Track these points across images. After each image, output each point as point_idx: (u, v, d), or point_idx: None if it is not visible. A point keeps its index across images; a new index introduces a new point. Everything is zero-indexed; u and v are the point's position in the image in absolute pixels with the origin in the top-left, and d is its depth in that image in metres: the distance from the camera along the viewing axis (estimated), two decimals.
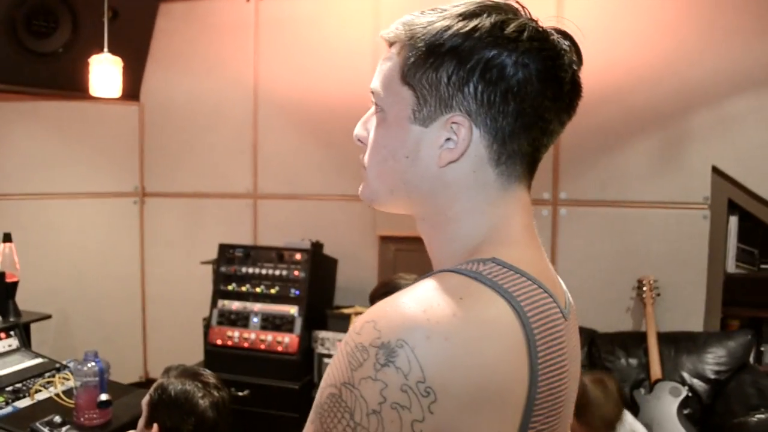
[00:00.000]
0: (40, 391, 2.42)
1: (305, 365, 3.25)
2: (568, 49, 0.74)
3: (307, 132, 3.89)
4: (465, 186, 0.74)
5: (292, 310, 3.28)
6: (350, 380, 0.62)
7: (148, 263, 4.22)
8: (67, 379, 2.47)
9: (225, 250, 3.51)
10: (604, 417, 2.33)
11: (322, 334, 3.33)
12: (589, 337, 3.18)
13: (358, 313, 3.40)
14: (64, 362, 2.68)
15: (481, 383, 0.62)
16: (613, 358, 3.11)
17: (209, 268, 3.67)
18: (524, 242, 0.76)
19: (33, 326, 3.05)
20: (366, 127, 0.82)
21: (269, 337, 3.25)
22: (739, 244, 3.31)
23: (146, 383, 2.79)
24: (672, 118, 3.27)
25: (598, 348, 3.15)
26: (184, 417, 1.60)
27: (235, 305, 3.38)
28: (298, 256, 3.38)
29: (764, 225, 3.22)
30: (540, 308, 0.69)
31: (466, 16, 0.72)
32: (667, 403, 2.82)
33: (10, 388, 2.43)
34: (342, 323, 3.34)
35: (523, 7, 0.75)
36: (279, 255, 3.42)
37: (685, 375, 2.98)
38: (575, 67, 0.75)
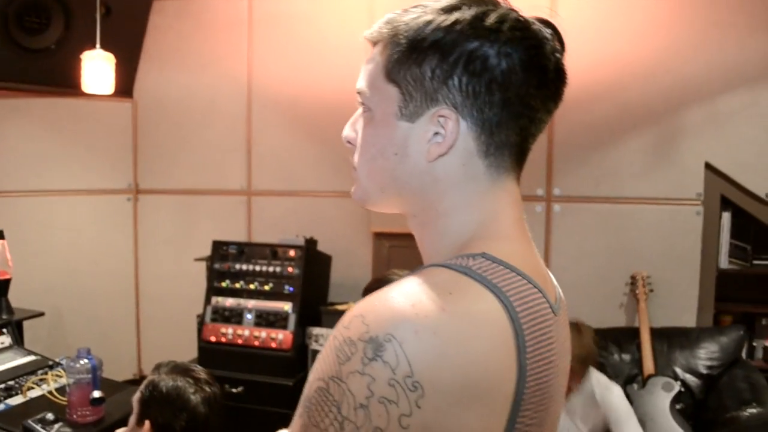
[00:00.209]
0: (32, 388, 2.42)
1: (299, 362, 3.25)
2: (550, 37, 0.74)
3: (302, 129, 3.89)
4: (455, 180, 0.74)
5: (286, 306, 3.28)
6: (338, 374, 0.62)
7: (142, 260, 4.21)
8: (60, 377, 2.47)
9: (219, 246, 3.51)
10: (576, 357, 2.36)
11: (316, 330, 3.33)
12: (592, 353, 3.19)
13: None
14: (57, 360, 2.67)
15: (470, 378, 0.62)
16: (606, 353, 3.12)
17: (203, 265, 3.67)
18: (514, 236, 0.76)
19: (26, 324, 3.05)
20: (354, 128, 0.82)
21: (263, 333, 3.25)
22: (731, 240, 3.32)
23: (140, 380, 2.78)
24: (665, 115, 3.28)
25: None
26: (176, 413, 1.60)
27: (229, 302, 3.38)
28: (292, 253, 3.38)
29: (757, 221, 3.23)
30: (529, 303, 0.69)
31: (447, 9, 0.72)
32: (660, 398, 2.83)
33: (2, 386, 2.43)
34: (336, 320, 3.33)
35: None
36: (273, 252, 3.42)
37: (678, 370, 2.99)
38: (558, 55, 0.75)
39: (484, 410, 0.63)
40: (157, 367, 1.73)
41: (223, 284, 3.43)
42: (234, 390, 3.18)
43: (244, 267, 3.41)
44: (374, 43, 0.78)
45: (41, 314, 3.10)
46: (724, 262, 3.31)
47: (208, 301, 3.42)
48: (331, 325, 3.34)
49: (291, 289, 3.31)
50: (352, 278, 3.74)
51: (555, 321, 0.74)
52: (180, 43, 4.06)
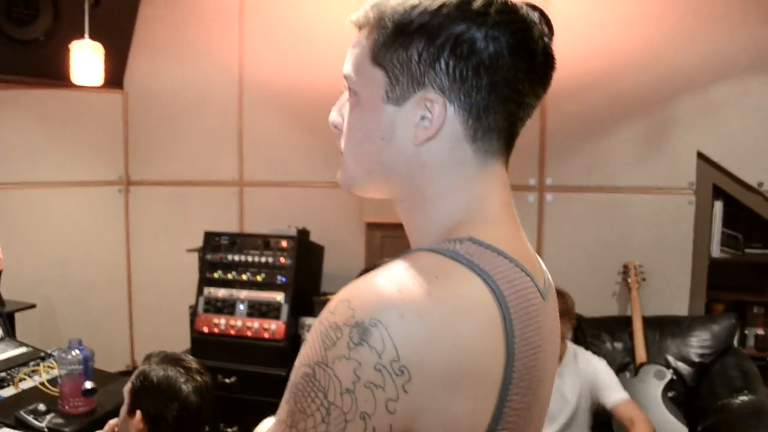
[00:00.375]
0: (24, 379, 2.41)
1: (292, 352, 3.25)
2: (538, 21, 0.73)
3: (293, 119, 3.88)
4: (442, 164, 0.74)
5: (279, 297, 3.27)
6: (324, 359, 0.61)
7: (134, 252, 4.20)
8: (52, 368, 2.46)
9: (211, 237, 3.50)
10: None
11: (309, 320, 3.33)
12: (576, 326, 3.21)
13: None
14: (48, 351, 2.67)
15: (457, 362, 0.61)
16: (598, 342, 3.13)
17: (195, 256, 3.66)
18: (502, 221, 0.76)
19: (17, 315, 3.04)
20: (341, 113, 0.81)
21: (256, 324, 3.25)
22: (723, 229, 3.34)
23: (133, 372, 2.77)
24: (657, 104, 3.28)
25: (584, 332, 3.18)
26: (167, 403, 1.60)
27: (222, 293, 3.37)
28: (284, 243, 3.37)
29: (748, 210, 3.25)
30: (517, 287, 0.69)
31: None
32: (652, 386, 2.85)
33: None
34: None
35: None
36: (265, 242, 3.41)
37: (670, 358, 3.01)
38: (546, 39, 0.74)
39: (471, 394, 0.63)
40: (148, 358, 1.72)
41: (216, 275, 3.42)
42: (227, 380, 3.18)
43: (237, 258, 3.40)
44: (360, 27, 0.78)
45: (33, 306, 3.09)
46: (716, 251, 3.33)
47: (200, 292, 3.41)
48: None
49: (283, 279, 3.31)
50: (345, 268, 3.73)
51: (543, 305, 0.74)
52: (171, 33, 4.03)
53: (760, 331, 3.38)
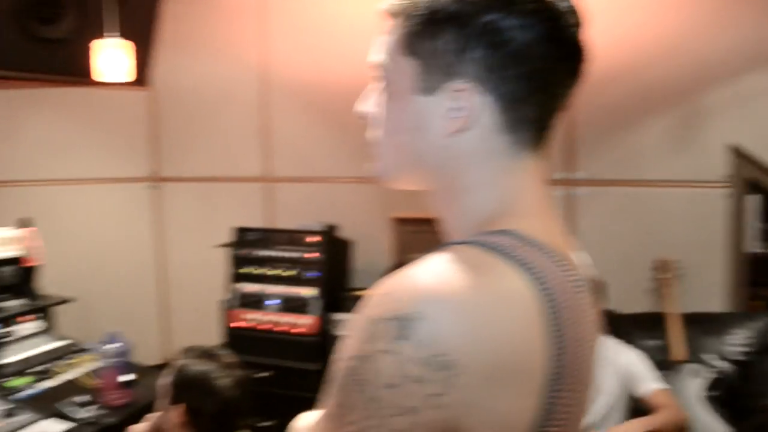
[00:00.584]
0: (64, 372, 2.46)
1: (325, 347, 3.27)
2: (568, 9, 0.73)
3: (319, 114, 3.88)
4: (474, 156, 0.73)
5: (310, 292, 3.29)
6: (367, 353, 0.61)
7: (165, 247, 4.26)
8: (91, 361, 2.51)
9: (241, 233, 3.53)
10: None
11: (339, 316, 3.35)
12: (608, 318, 3.16)
13: None
14: (87, 344, 2.72)
15: (500, 356, 0.61)
16: (632, 339, 3.08)
17: (226, 251, 3.69)
18: (539, 213, 0.75)
19: (55, 310, 3.10)
20: (369, 104, 0.81)
21: (287, 319, 3.27)
22: (759, 223, 3.26)
23: (166, 366, 2.81)
24: (688, 95, 3.22)
25: (617, 329, 3.13)
26: (206, 397, 1.62)
27: (253, 288, 3.40)
28: (313, 239, 3.39)
29: None
30: (557, 280, 0.68)
31: None
32: (689, 384, 2.79)
33: (35, 370, 2.48)
34: (358, 305, 3.34)
35: None
36: (294, 237, 3.43)
37: (710, 356, 2.92)
38: (577, 28, 0.74)
39: (517, 389, 0.62)
40: (184, 352, 1.74)
41: (246, 270, 3.45)
42: (261, 375, 3.21)
43: (267, 253, 3.43)
44: (391, 16, 0.77)
45: (72, 300, 3.15)
46: (751, 246, 3.26)
47: (231, 287, 3.45)
48: (353, 310, 3.35)
49: (314, 274, 3.32)
50: (372, 264, 3.74)
51: (583, 298, 0.73)
52: (195, 30, 4.06)
53: None
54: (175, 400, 1.64)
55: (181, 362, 1.70)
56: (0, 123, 3.87)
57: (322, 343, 3.25)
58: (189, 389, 1.63)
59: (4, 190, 3.86)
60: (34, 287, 3.02)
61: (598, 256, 3.40)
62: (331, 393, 0.66)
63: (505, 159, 0.74)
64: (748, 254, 3.24)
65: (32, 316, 2.85)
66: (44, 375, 2.45)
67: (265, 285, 3.39)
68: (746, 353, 2.91)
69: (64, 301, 3.10)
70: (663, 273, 3.18)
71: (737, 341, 2.94)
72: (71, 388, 2.35)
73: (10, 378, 2.39)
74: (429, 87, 0.73)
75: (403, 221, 3.69)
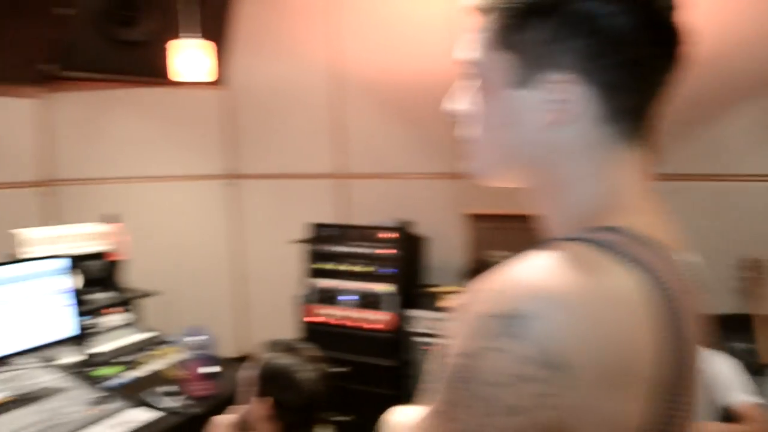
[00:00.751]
0: (149, 362, 2.54)
1: (400, 343, 3.27)
2: None
3: (392, 110, 3.89)
4: (574, 148, 0.71)
5: (385, 288, 3.30)
6: (475, 350, 0.60)
7: (242, 242, 4.35)
8: (174, 352, 2.58)
9: (317, 228, 3.57)
10: None
11: (414, 312, 3.33)
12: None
13: (449, 293, 3.38)
14: (170, 336, 2.80)
15: (612, 357, 0.58)
16: (719, 340, 2.95)
17: (302, 246, 3.74)
18: (645, 208, 0.72)
19: (139, 303, 3.21)
20: (459, 101, 0.79)
21: (363, 314, 3.29)
22: None
23: (243, 359, 2.87)
24: None
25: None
26: (291, 391, 1.63)
27: (328, 283, 3.44)
28: (389, 235, 3.39)
29: None
30: (671, 280, 0.64)
31: None
32: None
33: (122, 360, 2.56)
34: (433, 302, 3.34)
35: None
36: (369, 234, 3.44)
37: None
38: (673, 12, 0.70)
39: (625, 392, 0.60)
40: (268, 346, 1.76)
41: (322, 266, 3.48)
42: (338, 370, 3.23)
43: (343, 249, 3.45)
44: (481, 12, 0.75)
45: (157, 294, 3.26)
46: None
47: (306, 281, 3.49)
48: (428, 307, 3.34)
49: (389, 270, 3.33)
50: (446, 260, 3.72)
51: (692, 298, 0.70)
52: (269, 29, 4.13)
53: None
54: (262, 393, 1.65)
55: (267, 356, 1.71)
56: (84, 123, 4.05)
57: (397, 340, 3.25)
58: (276, 383, 1.65)
59: (88, 188, 4.03)
60: (120, 281, 3.14)
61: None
62: (438, 389, 0.65)
63: (606, 151, 0.71)
64: None
65: (119, 309, 2.96)
66: (130, 365, 2.53)
67: (340, 280, 3.41)
68: None
69: (148, 294, 3.20)
70: (751, 272, 3.03)
71: None
72: (156, 378, 2.41)
73: (99, 367, 2.48)
74: (525, 80, 0.71)
75: (478, 217, 3.65)
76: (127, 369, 2.48)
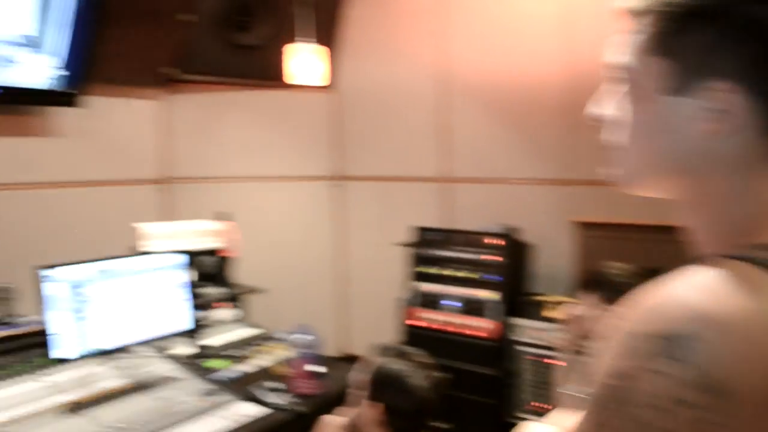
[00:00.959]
0: (256, 358, 2.59)
1: (503, 352, 3.19)
2: None
3: (499, 114, 3.82)
4: (732, 160, 0.66)
5: (491, 295, 3.23)
6: (630, 371, 0.56)
7: (346, 243, 4.41)
8: (280, 349, 2.62)
9: (421, 232, 3.56)
10: None
11: (519, 321, 3.25)
12: None
13: (556, 302, 3.27)
14: (275, 333, 2.86)
15: None
16: None
17: (406, 249, 3.73)
18: None
19: (246, 299, 3.30)
20: (605, 106, 0.76)
21: (466, 321, 3.24)
22: None
23: (345, 359, 2.89)
24: None
25: None
26: (403, 397, 1.62)
27: (432, 287, 3.41)
28: (494, 241, 3.33)
29: None
30: None
31: None
32: None
33: (230, 354, 2.64)
34: (538, 311, 3.24)
35: None
36: (474, 239, 3.39)
37: None
38: None
39: None
40: (380, 350, 1.75)
41: (426, 269, 3.47)
42: (448, 377, 3.19)
43: (447, 253, 3.42)
44: (634, 14, 0.71)
45: (264, 291, 3.34)
46: None
47: (409, 285, 3.48)
48: (532, 316, 3.24)
49: (495, 277, 3.26)
50: (552, 268, 3.61)
51: None
52: (376, 33, 4.16)
53: None
54: (373, 397, 1.64)
55: (379, 360, 1.70)
56: (201, 124, 4.22)
57: (499, 348, 3.17)
58: (388, 388, 1.64)
59: (202, 185, 4.20)
60: (230, 277, 3.24)
61: None
62: (589, 411, 0.61)
63: (764, 165, 0.65)
64: None
65: (228, 304, 3.05)
66: (238, 359, 2.59)
67: (444, 285, 3.38)
68: None
69: (255, 291, 3.29)
70: None
71: None
72: (263, 374, 2.46)
73: (209, 359, 2.56)
74: (681, 87, 0.66)
75: (586, 225, 3.51)
76: (235, 363, 2.55)
